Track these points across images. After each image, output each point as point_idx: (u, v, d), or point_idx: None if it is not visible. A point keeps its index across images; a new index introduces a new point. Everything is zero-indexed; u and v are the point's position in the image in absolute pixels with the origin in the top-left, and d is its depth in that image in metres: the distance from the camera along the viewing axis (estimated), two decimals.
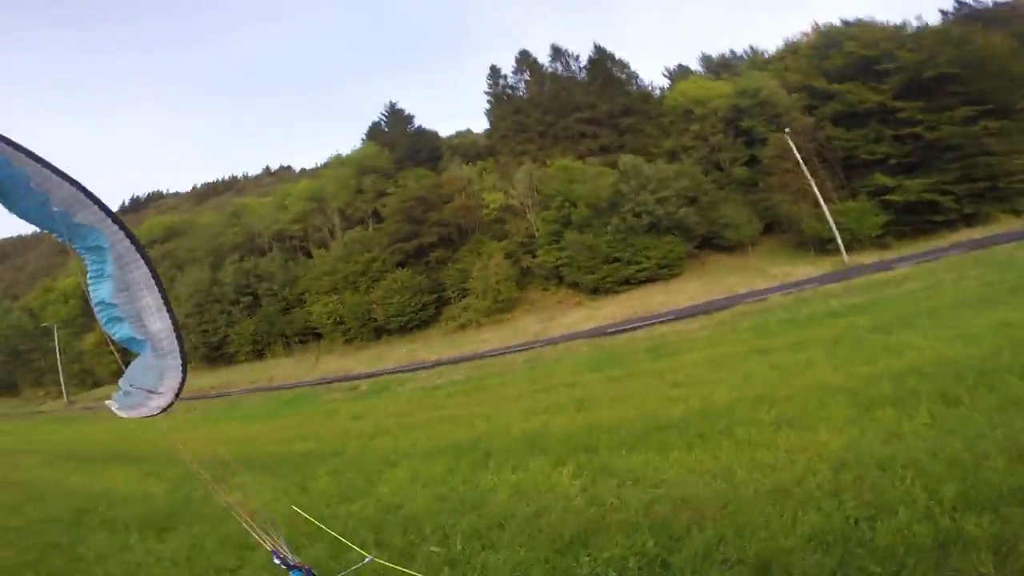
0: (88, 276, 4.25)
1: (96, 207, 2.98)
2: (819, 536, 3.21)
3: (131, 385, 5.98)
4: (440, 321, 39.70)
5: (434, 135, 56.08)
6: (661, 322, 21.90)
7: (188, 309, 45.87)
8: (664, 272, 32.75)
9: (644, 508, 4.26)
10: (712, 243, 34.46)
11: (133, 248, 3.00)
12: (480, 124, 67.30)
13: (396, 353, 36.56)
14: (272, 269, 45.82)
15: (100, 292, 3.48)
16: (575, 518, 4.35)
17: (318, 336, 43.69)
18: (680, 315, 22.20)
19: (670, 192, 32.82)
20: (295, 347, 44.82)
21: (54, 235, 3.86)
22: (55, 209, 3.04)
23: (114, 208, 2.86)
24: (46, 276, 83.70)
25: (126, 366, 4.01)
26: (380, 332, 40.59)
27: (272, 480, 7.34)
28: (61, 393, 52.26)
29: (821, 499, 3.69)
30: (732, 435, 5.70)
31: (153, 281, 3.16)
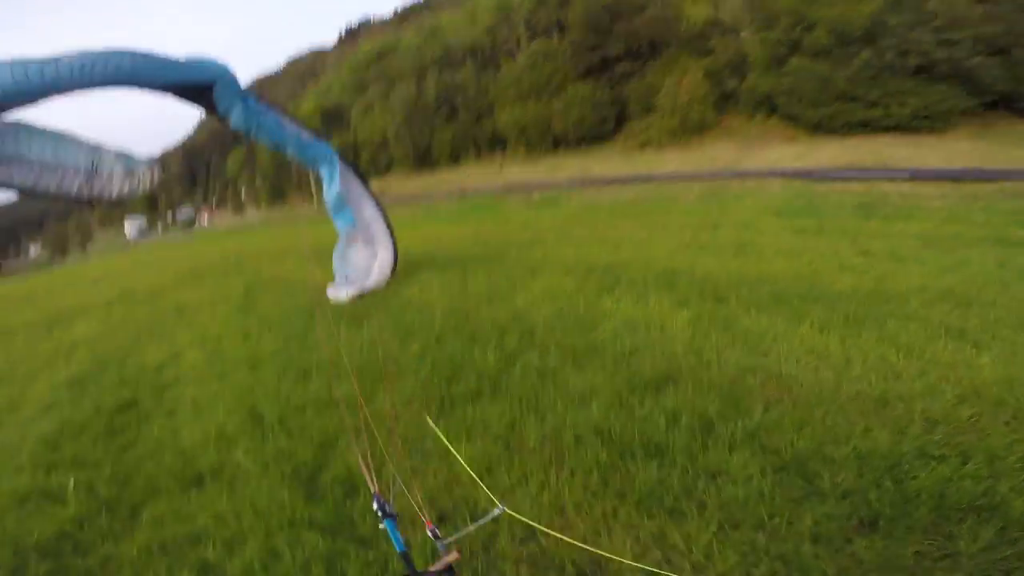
0: (324, 182, 8.14)
1: (325, 143, 7.76)
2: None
3: (349, 273, 8.50)
4: (619, 138, 37.74)
5: None
6: (890, 179, 17.08)
7: (399, 120, 52.12)
8: (920, 124, 24.60)
9: (734, 373, 4.14)
10: (1013, 106, 23.84)
11: (349, 168, 8.03)
12: None
13: (571, 166, 36.63)
14: (467, 80, 47.89)
15: (332, 190, 7.91)
16: (664, 363, 4.45)
17: (504, 145, 45.92)
18: (919, 176, 16.85)
19: (966, 34, 22.91)
20: (484, 155, 48.35)
21: (298, 158, 7.79)
22: (304, 139, 7.53)
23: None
24: (291, 101, 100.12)
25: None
26: (558, 143, 40.69)
27: (440, 277, 8.61)
28: (312, 198, 66.09)
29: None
30: (891, 328, 4.87)
31: (364, 187, 8.51)
